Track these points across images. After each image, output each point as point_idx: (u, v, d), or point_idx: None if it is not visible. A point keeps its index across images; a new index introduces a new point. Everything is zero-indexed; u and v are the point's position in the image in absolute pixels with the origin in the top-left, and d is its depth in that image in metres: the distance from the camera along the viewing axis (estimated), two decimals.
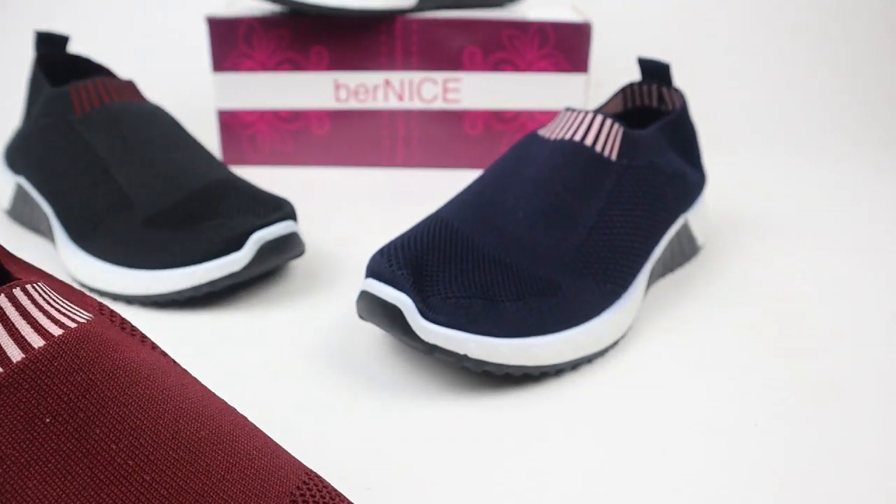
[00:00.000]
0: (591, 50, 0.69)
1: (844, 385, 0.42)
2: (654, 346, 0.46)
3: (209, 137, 0.80)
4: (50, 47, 0.60)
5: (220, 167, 0.54)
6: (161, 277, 0.47)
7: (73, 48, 0.88)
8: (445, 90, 0.70)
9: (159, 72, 0.89)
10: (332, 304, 0.49)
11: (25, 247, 0.57)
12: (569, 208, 0.46)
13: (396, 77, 0.70)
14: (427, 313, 0.39)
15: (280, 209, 0.49)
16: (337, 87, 0.70)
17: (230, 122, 0.72)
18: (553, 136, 0.49)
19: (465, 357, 0.40)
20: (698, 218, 0.56)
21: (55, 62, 0.61)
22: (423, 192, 0.69)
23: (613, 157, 0.48)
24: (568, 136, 0.49)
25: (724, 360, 0.44)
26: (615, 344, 0.46)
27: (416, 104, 0.71)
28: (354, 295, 0.51)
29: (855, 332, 0.48)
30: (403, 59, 0.69)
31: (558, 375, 0.43)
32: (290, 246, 0.48)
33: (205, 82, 0.87)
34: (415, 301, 0.39)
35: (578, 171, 0.47)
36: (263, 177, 0.72)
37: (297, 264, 0.55)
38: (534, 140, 0.50)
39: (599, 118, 0.49)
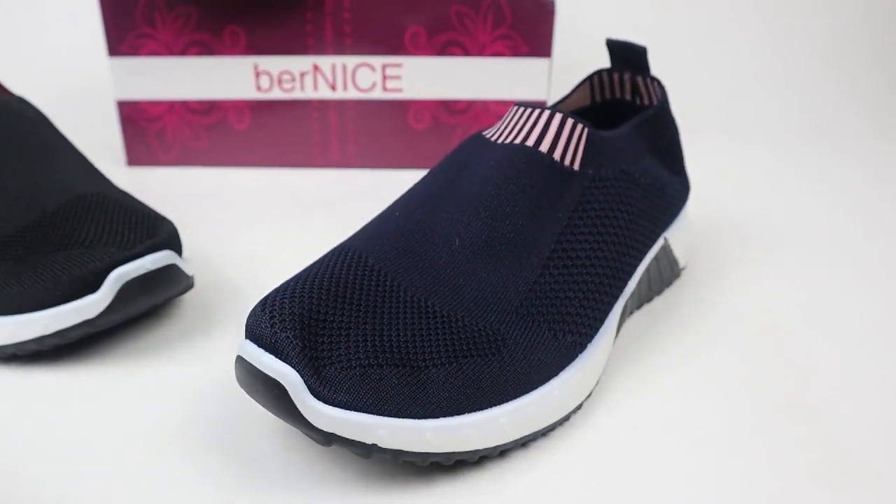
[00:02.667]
0: (554, 31, 0.59)
1: (861, 456, 0.33)
2: (626, 409, 0.36)
3: (111, 134, 0.69)
4: None
5: (93, 179, 0.43)
6: None
7: None
8: (385, 77, 0.60)
9: (49, 58, 0.77)
10: (220, 359, 0.39)
11: None
12: (518, 235, 0.36)
13: (327, 62, 0.59)
14: (320, 391, 0.29)
15: (153, 234, 0.38)
16: (257, 73, 0.60)
17: (133, 116, 0.61)
18: (500, 139, 0.39)
19: (374, 447, 0.30)
20: (680, 236, 0.46)
21: None
22: (362, 197, 0.59)
23: (576, 165, 0.39)
24: (519, 140, 0.39)
25: (713, 425, 0.35)
26: (578, 408, 0.36)
27: (352, 94, 0.60)
28: None
29: (867, 377, 0.38)
30: (335, 41, 0.59)
31: (504, 457, 0.33)
32: (166, 282, 0.38)
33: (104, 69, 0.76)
34: (304, 375, 0.29)
35: (532, 186, 0.37)
36: (173, 179, 0.61)
37: (188, 299, 0.44)
38: (476, 144, 0.40)
39: (558, 117, 0.39)
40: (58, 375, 0.37)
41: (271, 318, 0.30)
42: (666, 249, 0.45)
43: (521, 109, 0.40)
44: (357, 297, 0.32)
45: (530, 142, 0.38)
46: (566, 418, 0.35)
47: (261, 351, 0.30)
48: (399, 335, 0.32)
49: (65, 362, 0.38)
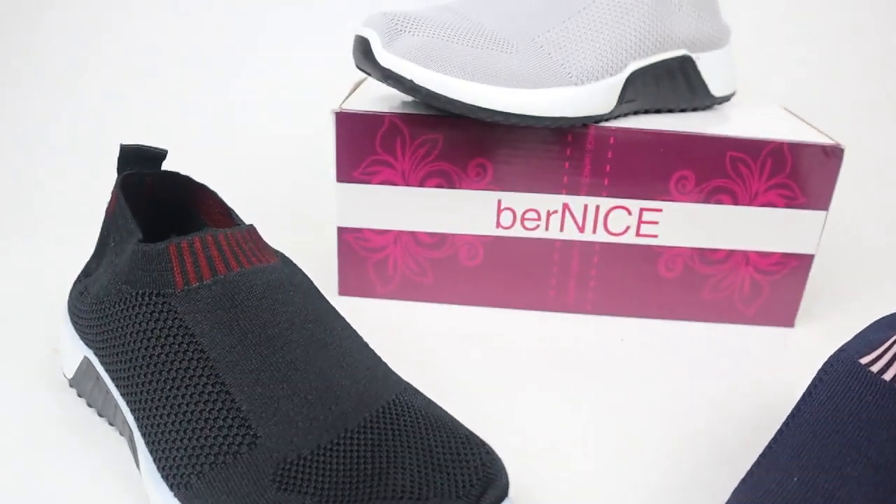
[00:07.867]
0: (837, 181, 0.52)
1: None
2: None
3: (322, 256, 0.63)
4: (139, 165, 0.44)
5: (386, 378, 0.38)
6: None
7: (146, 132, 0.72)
8: (641, 222, 0.53)
9: (263, 172, 0.73)
10: None
11: (93, 441, 0.41)
12: None
13: (579, 202, 0.53)
14: None
15: (492, 480, 0.32)
16: (500, 209, 0.54)
17: (353, 244, 0.56)
18: None
19: None
20: None
21: (143, 184, 0.44)
22: (610, 349, 0.52)
23: None
24: None
25: None
26: None
27: (601, 236, 0.54)
28: None
29: None
30: (591, 181, 0.52)
31: None
32: None
33: (320, 183, 0.71)
34: None
35: None
36: (385, 314, 0.55)
37: None
38: (863, 382, 0.33)
39: None
40: None
41: None
42: None
43: None
44: None
45: None
46: None
47: None
48: None
49: None
